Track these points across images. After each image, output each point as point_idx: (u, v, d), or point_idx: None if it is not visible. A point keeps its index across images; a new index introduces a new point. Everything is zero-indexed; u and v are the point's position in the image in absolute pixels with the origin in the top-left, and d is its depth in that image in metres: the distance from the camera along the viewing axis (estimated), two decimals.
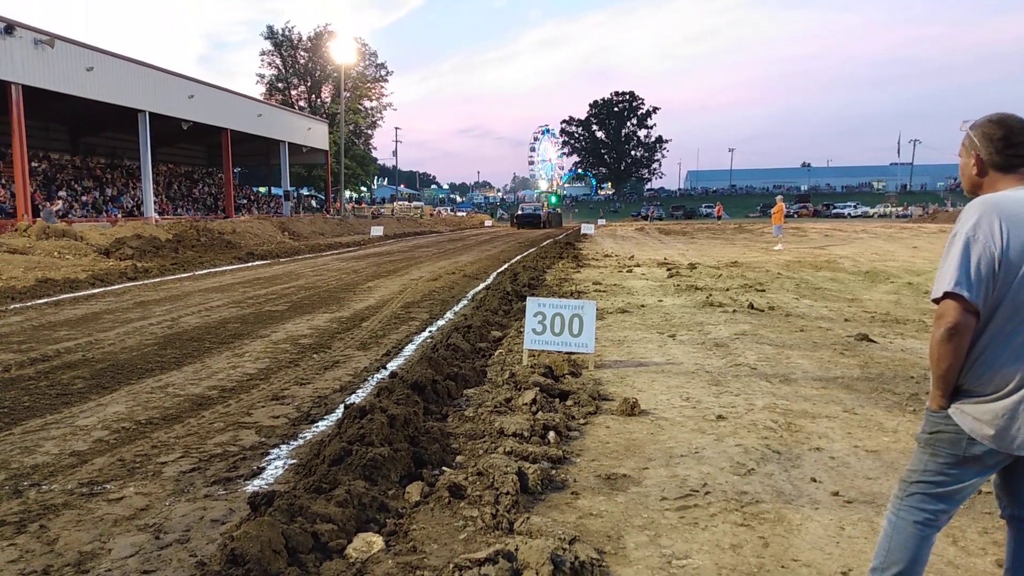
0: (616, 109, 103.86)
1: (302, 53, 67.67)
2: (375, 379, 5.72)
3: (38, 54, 22.92)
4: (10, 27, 22.11)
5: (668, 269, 14.52)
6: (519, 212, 53.78)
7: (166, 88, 29.45)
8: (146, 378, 5.88)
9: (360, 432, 3.65)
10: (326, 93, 67.77)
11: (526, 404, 4.55)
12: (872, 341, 6.91)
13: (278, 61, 67.73)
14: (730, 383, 5.39)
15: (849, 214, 70.82)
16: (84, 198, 29.76)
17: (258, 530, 2.66)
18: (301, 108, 61.97)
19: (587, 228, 37.62)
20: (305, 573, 2.57)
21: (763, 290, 10.83)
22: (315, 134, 45.10)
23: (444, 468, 3.59)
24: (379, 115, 70.48)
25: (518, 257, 18.86)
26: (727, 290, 10.81)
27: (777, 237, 23.87)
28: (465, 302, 10.13)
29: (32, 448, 4.21)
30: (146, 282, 13.43)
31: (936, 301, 2.02)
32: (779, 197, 25.49)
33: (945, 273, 1.99)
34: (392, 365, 6.19)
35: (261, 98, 52.96)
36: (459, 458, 3.77)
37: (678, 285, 11.57)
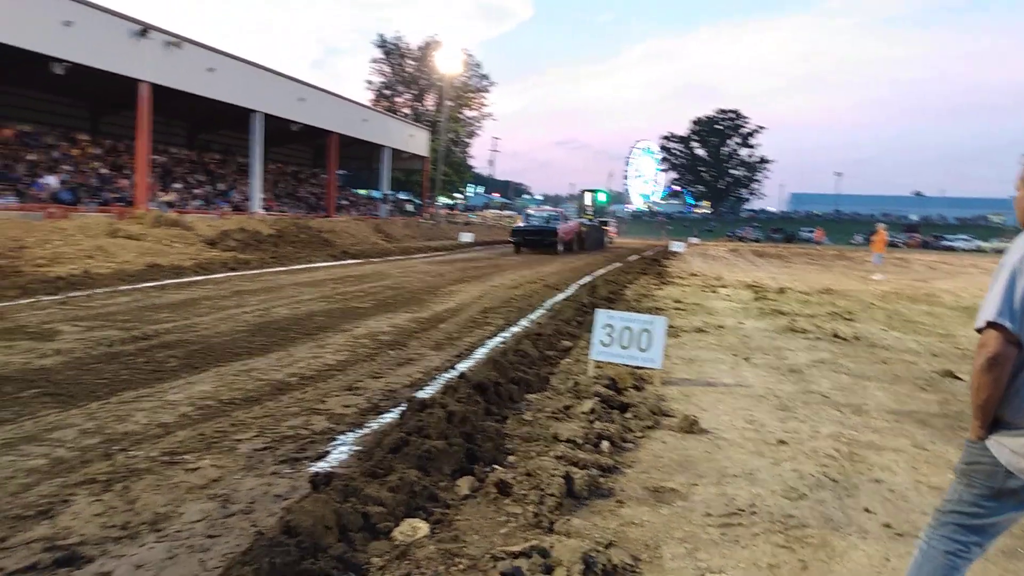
0: (719, 127, 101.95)
1: (410, 62, 69.62)
2: (443, 378, 5.91)
3: (166, 55, 24.58)
4: (145, 30, 23.82)
5: (755, 292, 14.21)
6: (519, 225, 29.52)
7: (279, 90, 30.97)
8: (234, 361, 6.27)
9: (419, 424, 3.82)
10: (430, 101, 69.46)
11: (584, 413, 4.62)
12: (957, 378, 6.61)
13: (387, 69, 69.94)
14: (798, 409, 5.29)
15: (960, 247, 67.02)
16: (196, 191, 31.58)
17: (313, 506, 2.85)
18: (405, 115, 63.75)
19: (677, 246, 36.92)
20: (352, 549, 2.74)
21: (851, 319, 10.48)
22: (416, 141, 46.33)
23: (495, 466, 3.71)
24: (478, 124, 71.72)
25: (602, 271, 18.83)
26: (813, 316, 10.51)
27: (877, 266, 22.92)
28: (541, 311, 10.24)
29: (124, 417, 4.59)
30: (245, 273, 14.19)
31: (979, 331, 2.00)
32: (881, 225, 24.46)
33: (989, 303, 1.97)
34: (462, 366, 6.36)
35: (369, 104, 54.85)
36: (511, 458, 3.88)
37: (762, 308, 11.33)
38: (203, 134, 36.85)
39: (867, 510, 3.45)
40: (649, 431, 4.57)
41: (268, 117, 30.05)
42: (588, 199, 41.71)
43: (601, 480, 3.62)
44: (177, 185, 30.39)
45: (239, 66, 28.58)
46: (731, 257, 32.65)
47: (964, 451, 2.10)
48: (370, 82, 70.51)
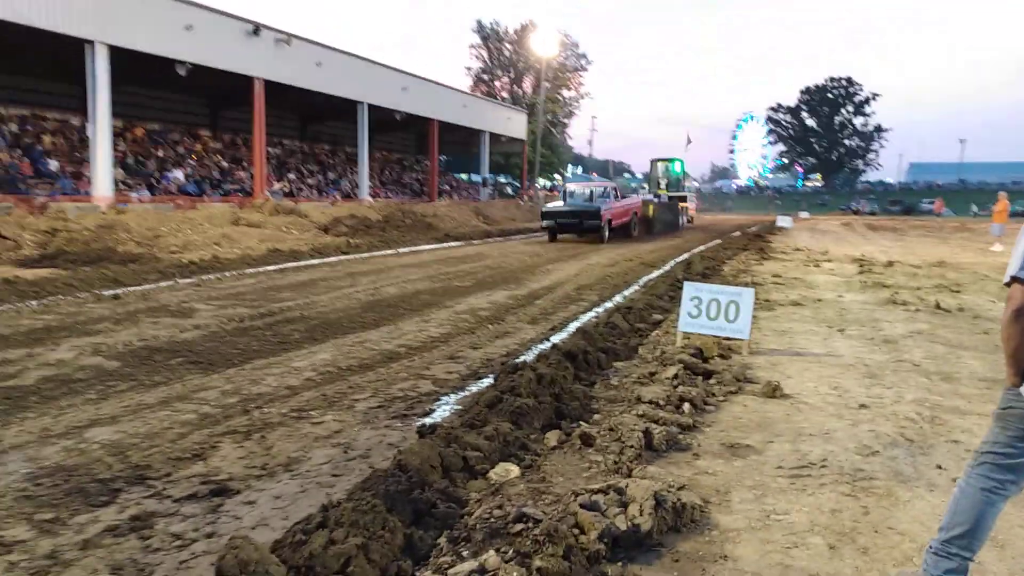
0: (830, 96, 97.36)
1: (507, 46, 70.14)
2: (537, 348, 6.29)
3: (277, 51, 25.98)
4: (257, 28, 25.26)
5: (860, 265, 13.87)
6: (552, 206, 21.74)
7: (382, 81, 32.10)
8: (349, 334, 6.88)
9: (511, 385, 4.23)
10: (527, 84, 69.83)
11: (668, 378, 4.90)
12: None
13: (484, 54, 70.74)
14: (886, 377, 5.37)
15: None
16: (309, 181, 33.26)
17: (421, 449, 3.30)
18: (503, 99, 64.41)
19: (783, 221, 35.71)
20: (452, 485, 3.16)
21: (958, 291, 10.15)
22: (514, 124, 46.82)
23: (581, 423, 4.06)
24: (576, 104, 71.56)
25: (701, 248, 18.73)
26: (917, 289, 10.25)
27: (996, 237, 21.66)
28: (636, 287, 10.46)
29: (257, 380, 5.22)
30: (356, 256, 15.07)
31: (1007, 285, 2.19)
32: (1002, 194, 22.99)
33: (1015, 259, 2.16)
34: (555, 338, 6.72)
35: (467, 89, 55.75)
36: (596, 416, 4.23)
37: (864, 282, 11.12)
38: (313, 126, 38.57)
39: (939, 467, 3.59)
40: (732, 396, 4.80)
41: (373, 107, 31.23)
42: (660, 170, 34.29)
43: (680, 436, 3.91)
44: (291, 175, 32.10)
45: (345, 59, 29.80)
46: (841, 231, 31.49)
47: (1001, 397, 2.29)
48: (468, 68, 71.70)
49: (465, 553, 2.58)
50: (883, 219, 54.56)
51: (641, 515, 2.80)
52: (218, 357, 5.86)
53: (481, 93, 61.18)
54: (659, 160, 34.90)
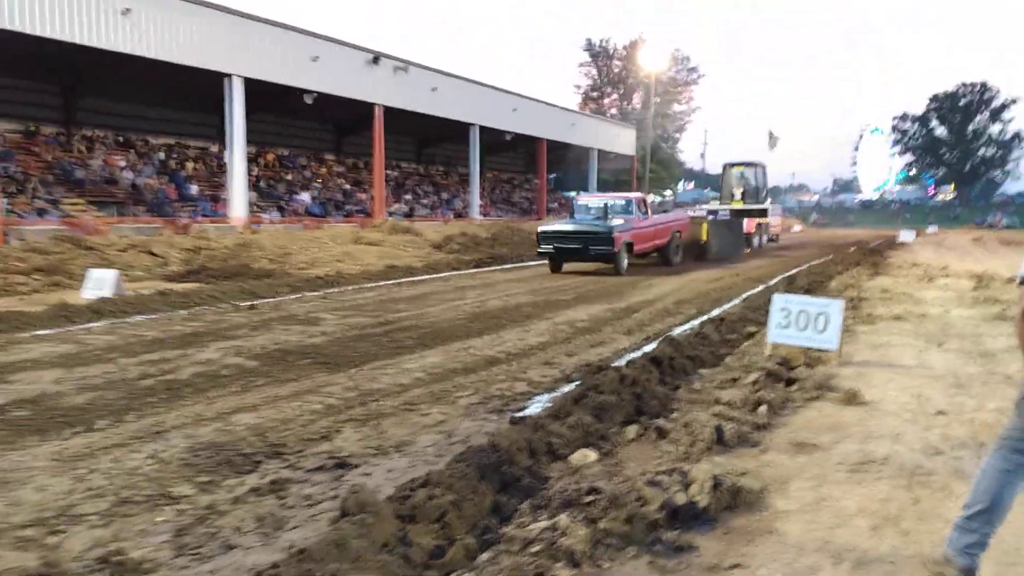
0: (961, 103, 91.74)
1: (616, 62, 70.48)
2: (628, 357, 6.66)
3: (395, 78, 27.50)
4: (376, 57, 26.87)
5: (978, 281, 13.33)
6: (551, 227, 16.01)
7: (493, 103, 33.24)
8: (456, 341, 7.49)
9: (595, 383, 4.66)
10: (636, 99, 69.83)
11: (749, 383, 5.18)
12: None
13: (593, 72, 71.34)
14: (973, 387, 5.41)
15: None
16: (424, 201, 34.76)
17: (510, 433, 3.79)
18: (612, 115, 64.71)
19: (906, 235, 34.20)
20: (536, 464, 3.63)
21: None
22: (622, 140, 47.08)
23: (659, 419, 4.44)
24: (687, 118, 70.87)
25: (815, 263, 18.40)
26: None
27: None
28: (736, 302, 10.59)
29: (374, 379, 5.88)
30: (465, 272, 15.87)
31: (1020, 286, 2.46)
32: None
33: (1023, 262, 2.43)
34: (648, 348, 7.07)
35: (576, 108, 56.42)
36: (674, 414, 4.58)
37: (976, 298, 10.77)
38: (428, 148, 40.23)
39: None
40: (809, 402, 5.02)
41: (484, 129, 32.40)
42: (734, 177, 26.87)
43: (751, 434, 4.21)
44: (407, 196, 33.64)
45: (458, 83, 31.11)
46: (969, 246, 29.80)
47: (1018, 387, 2.54)
48: (577, 87, 72.52)
49: (542, 516, 3.03)
50: (1021, 233, 50.84)
51: (700, 493, 3.17)
52: (341, 359, 6.58)
53: (590, 111, 61.73)
54: (733, 165, 27.41)
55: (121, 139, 27.08)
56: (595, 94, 71.48)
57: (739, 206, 24.82)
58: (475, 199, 33.47)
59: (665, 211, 19.44)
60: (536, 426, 4.00)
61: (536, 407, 5.02)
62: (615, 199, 16.79)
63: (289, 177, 30.88)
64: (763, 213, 25.58)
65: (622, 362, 6.40)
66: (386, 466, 3.92)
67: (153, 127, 28.17)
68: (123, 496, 3.49)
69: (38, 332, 7.80)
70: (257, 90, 22.83)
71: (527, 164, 48.27)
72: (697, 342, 6.70)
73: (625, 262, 15.21)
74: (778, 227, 28.98)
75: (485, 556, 2.66)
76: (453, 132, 33.29)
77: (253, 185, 26.47)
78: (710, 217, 21.86)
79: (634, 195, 16.93)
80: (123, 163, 25.59)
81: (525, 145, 39.51)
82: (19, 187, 21.03)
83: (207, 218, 23.15)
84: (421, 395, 5.41)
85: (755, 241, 24.71)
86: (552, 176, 53.12)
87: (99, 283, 10.06)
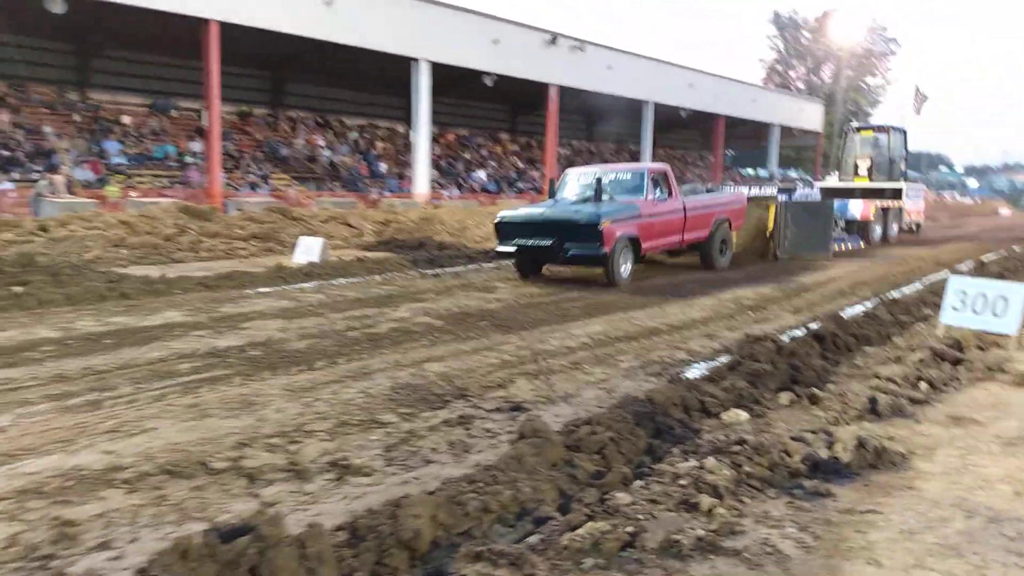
0: None
1: (805, 34, 66.64)
2: (791, 334, 6.77)
3: (571, 58, 27.95)
4: (554, 38, 27.44)
5: None
6: (512, 214, 10.60)
7: (669, 79, 32.85)
8: (619, 312, 7.91)
9: (751, 352, 4.91)
10: (826, 73, 65.76)
11: (913, 361, 5.20)
12: None
13: (780, 44, 67.93)
14: None
15: None
16: None
17: (666, 390, 4.19)
18: (798, 89, 61.44)
19: None
20: (689, 417, 4.01)
21: None
22: (807, 115, 44.72)
23: (814, 389, 4.63)
24: (882, 92, 65.79)
25: (1017, 248, 16.87)
26: None
27: None
28: (917, 286, 10.15)
29: (543, 341, 6.44)
30: None
31: None
32: None
33: None
34: (814, 326, 7.11)
35: (759, 82, 54.19)
36: (830, 386, 4.75)
37: None
38: (599, 126, 40.42)
39: None
40: (978, 382, 4.97)
41: (658, 106, 32.14)
42: (858, 145, 20.37)
43: (906, 407, 4.32)
44: None
45: (633, 60, 31.04)
46: None
47: None
48: (762, 60, 69.41)
49: (691, 459, 3.42)
50: None
51: (843, 451, 3.42)
52: (514, 323, 7.21)
53: (774, 85, 58.99)
54: (861, 129, 21.34)
55: (320, 120, 29.65)
56: (780, 67, 68.06)
57: (863, 183, 19.19)
58: None
59: (710, 191, 14.06)
60: (691, 386, 4.36)
61: (694, 373, 5.35)
62: (618, 171, 11.01)
63: (467, 156, 32.39)
64: (895, 195, 18.74)
65: (785, 337, 6.57)
66: (554, 411, 4.45)
67: (348, 109, 30.58)
68: (342, 419, 4.26)
69: (260, 289, 9.09)
70: (440, 73, 24.16)
71: (702, 141, 47.16)
72: (865, 322, 6.66)
73: (625, 268, 9.80)
74: (920, 212, 20.84)
75: (638, 483, 3.10)
76: (626, 110, 33.28)
77: (435, 164, 28.06)
78: (782, 198, 14.41)
79: (652, 166, 11.19)
80: (322, 142, 28.04)
81: (701, 122, 38.66)
82: (235, 163, 23.74)
83: (393, 194, 24.95)
84: (585, 357, 5.90)
85: (876, 232, 18.08)
86: (729, 153, 51.53)
87: (308, 249, 11.41)
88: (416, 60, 23.58)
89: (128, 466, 3.51)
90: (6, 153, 19.65)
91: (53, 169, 18.30)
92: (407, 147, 28.29)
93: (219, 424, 4.16)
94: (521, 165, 33.96)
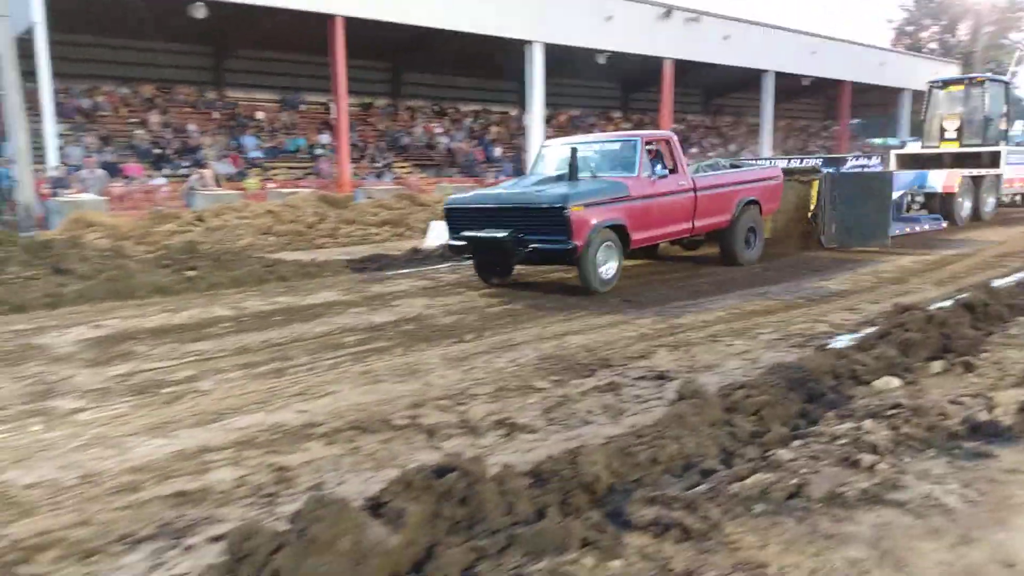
0: None
1: None
2: (936, 306, 6.59)
3: (686, 31, 27.42)
4: (669, 11, 26.99)
5: None
6: (460, 200, 8.46)
7: (789, 47, 31.56)
8: (752, 288, 7.90)
9: (900, 322, 4.89)
10: (963, 30, 61.18)
11: None
12: None
13: (911, 2, 63.71)
14: None
15: None
16: (710, 154, 34.35)
17: (816, 357, 4.28)
18: (931, 50, 57.53)
19: None
20: (840, 384, 4.07)
21: None
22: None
23: (968, 357, 4.56)
24: None
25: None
26: None
27: None
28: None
29: (678, 316, 6.58)
30: None
31: None
32: None
33: None
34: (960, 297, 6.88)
35: (888, 45, 51.16)
36: (984, 354, 4.67)
37: None
38: (716, 99, 39.44)
39: None
40: None
41: (778, 75, 31.01)
42: (944, 102, 16.69)
43: None
44: (693, 149, 33.53)
45: (751, 29, 30.06)
46: None
47: None
48: (890, 20, 65.43)
49: (847, 422, 3.51)
50: None
51: (1005, 414, 3.42)
52: (647, 299, 7.37)
53: (903, 47, 55.48)
54: (948, 83, 17.33)
55: (437, 108, 30.46)
56: (911, 28, 63.88)
57: (951, 147, 16.00)
58: (765, 150, 32.29)
59: (735, 165, 10.71)
60: (840, 355, 4.42)
61: (839, 344, 5.36)
62: (604, 142, 9.00)
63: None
64: (993, 160, 15.50)
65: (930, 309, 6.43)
66: (700, 380, 4.59)
67: (462, 96, 31.22)
68: (499, 385, 4.60)
69: (401, 271, 9.65)
70: (553, 54, 24.29)
71: (826, 110, 45.05)
72: (1019, 291, 6.41)
73: (608, 268, 7.65)
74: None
75: (797, 443, 3.24)
76: (744, 80, 32.32)
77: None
78: (827, 171, 11.22)
79: (649, 134, 9.05)
80: (439, 129, 28.84)
81: (825, 89, 36.95)
82: (360, 153, 24.83)
83: (508, 177, 25.40)
84: (723, 330, 5.99)
85: (963, 208, 14.43)
86: (856, 121, 49.00)
87: (439, 233, 11.91)
88: (529, 43, 23.82)
89: (321, 423, 3.97)
90: (157, 151, 21.39)
91: (200, 164, 19.79)
92: (520, 130, 28.64)
93: (392, 388, 4.58)
94: None
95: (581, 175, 7.91)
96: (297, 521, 2.13)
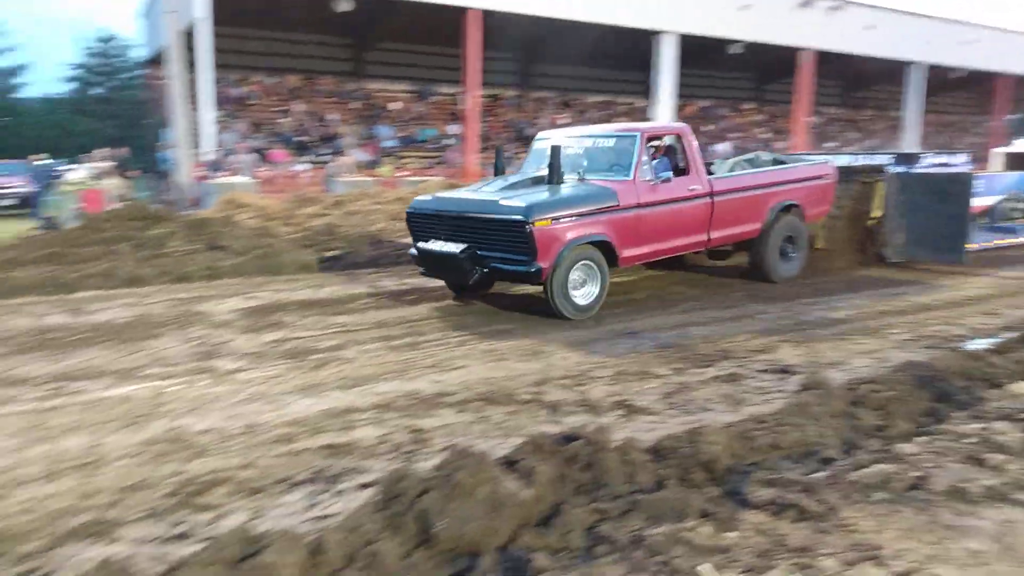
0: None
1: None
2: None
3: (827, 19, 26.26)
4: (808, 1, 25.95)
5: None
6: (423, 203, 6.89)
7: (940, 37, 29.61)
8: (884, 288, 7.65)
9: None
10: None
11: None
12: None
13: None
14: None
15: None
16: (846, 149, 32.79)
17: (946, 358, 4.18)
18: None
19: None
20: (972, 386, 3.97)
21: None
22: None
23: None
24: None
25: None
26: None
27: None
28: None
29: (804, 313, 6.50)
30: None
31: None
32: None
33: None
34: None
35: None
36: None
37: None
38: (856, 92, 37.51)
39: None
40: None
41: (926, 67, 29.18)
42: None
43: None
44: (829, 144, 32.11)
45: (898, 18, 28.43)
46: None
47: None
48: None
49: (976, 422, 3.45)
50: None
51: None
52: (771, 296, 7.27)
53: None
54: None
55: (562, 99, 30.67)
56: None
57: None
58: (912, 146, 30.48)
59: (779, 161, 8.78)
60: (975, 356, 4.29)
61: (975, 348, 5.17)
62: (597, 137, 7.27)
63: (706, 128, 31.74)
64: None
65: None
66: (830, 373, 4.58)
67: (588, 87, 31.26)
68: (619, 369, 4.75)
69: None
70: (684, 44, 23.92)
71: (979, 104, 41.91)
72: None
73: (586, 293, 6.28)
74: None
75: (922, 439, 3.23)
76: (888, 72, 30.58)
77: None
78: (893, 171, 9.26)
79: (652, 127, 7.84)
80: (564, 120, 29.02)
81: (977, 83, 34.44)
82: (487, 144, 25.41)
83: (510, 171, 25.24)
84: (851, 329, 5.88)
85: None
86: (1017, 117, 45.26)
87: None
88: (660, 33, 23.57)
89: (453, 392, 4.27)
90: (300, 138, 22.74)
91: (339, 152, 20.91)
92: (646, 122, 28.38)
93: (516, 366, 4.84)
94: (766, 136, 32.59)
95: (569, 176, 6.60)
96: (442, 468, 2.40)
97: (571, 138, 7.35)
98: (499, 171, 7.52)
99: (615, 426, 3.73)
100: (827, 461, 3.02)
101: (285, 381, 4.55)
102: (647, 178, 6.58)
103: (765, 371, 4.73)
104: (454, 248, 6.17)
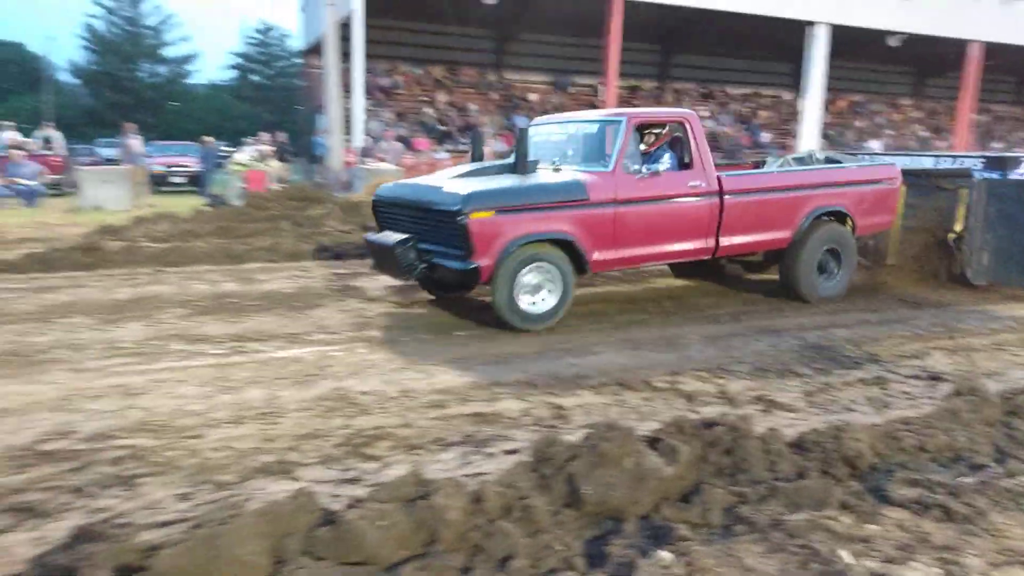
0: None
1: None
2: None
3: (1001, 10, 24.27)
4: None
5: None
6: (387, 191, 6.29)
7: None
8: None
9: None
10: None
11: None
12: None
13: None
14: None
15: None
16: (1018, 149, 30.15)
17: None
18: None
19: None
20: None
21: None
22: None
23: None
24: None
25: None
26: None
27: None
28: None
29: (959, 319, 6.19)
30: None
31: None
32: None
33: None
34: None
35: None
36: None
37: None
38: None
39: None
40: None
41: None
42: None
43: None
44: (996, 144, 29.68)
45: None
46: None
47: None
48: None
49: None
50: None
51: None
52: (923, 301, 6.95)
53: None
54: None
55: (704, 91, 30.00)
56: None
57: None
58: None
59: (832, 160, 7.52)
60: None
61: None
62: (580, 122, 6.47)
63: (859, 124, 30.11)
64: None
65: None
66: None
67: (732, 78, 30.39)
68: (758, 366, 4.75)
69: None
70: (837, 35, 22.82)
71: None
72: None
73: (540, 302, 5.51)
74: None
75: None
76: None
77: (822, 133, 26.66)
78: (979, 177, 7.49)
79: (651, 114, 6.68)
80: (705, 113, 28.39)
81: None
82: None
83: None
84: (1011, 339, 5.57)
85: None
86: None
87: None
88: (812, 23, 22.60)
89: (591, 376, 4.44)
90: (442, 128, 23.53)
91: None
92: (793, 115, 27.28)
93: (651, 355, 4.94)
94: (925, 134, 30.52)
95: (544, 166, 5.87)
96: (590, 438, 2.57)
97: (555, 124, 6.70)
98: (476, 157, 6.61)
99: (753, 419, 3.74)
100: (977, 467, 2.94)
101: (434, 353, 4.87)
102: (632, 169, 5.69)
103: (915, 377, 4.59)
104: (393, 239, 5.53)
